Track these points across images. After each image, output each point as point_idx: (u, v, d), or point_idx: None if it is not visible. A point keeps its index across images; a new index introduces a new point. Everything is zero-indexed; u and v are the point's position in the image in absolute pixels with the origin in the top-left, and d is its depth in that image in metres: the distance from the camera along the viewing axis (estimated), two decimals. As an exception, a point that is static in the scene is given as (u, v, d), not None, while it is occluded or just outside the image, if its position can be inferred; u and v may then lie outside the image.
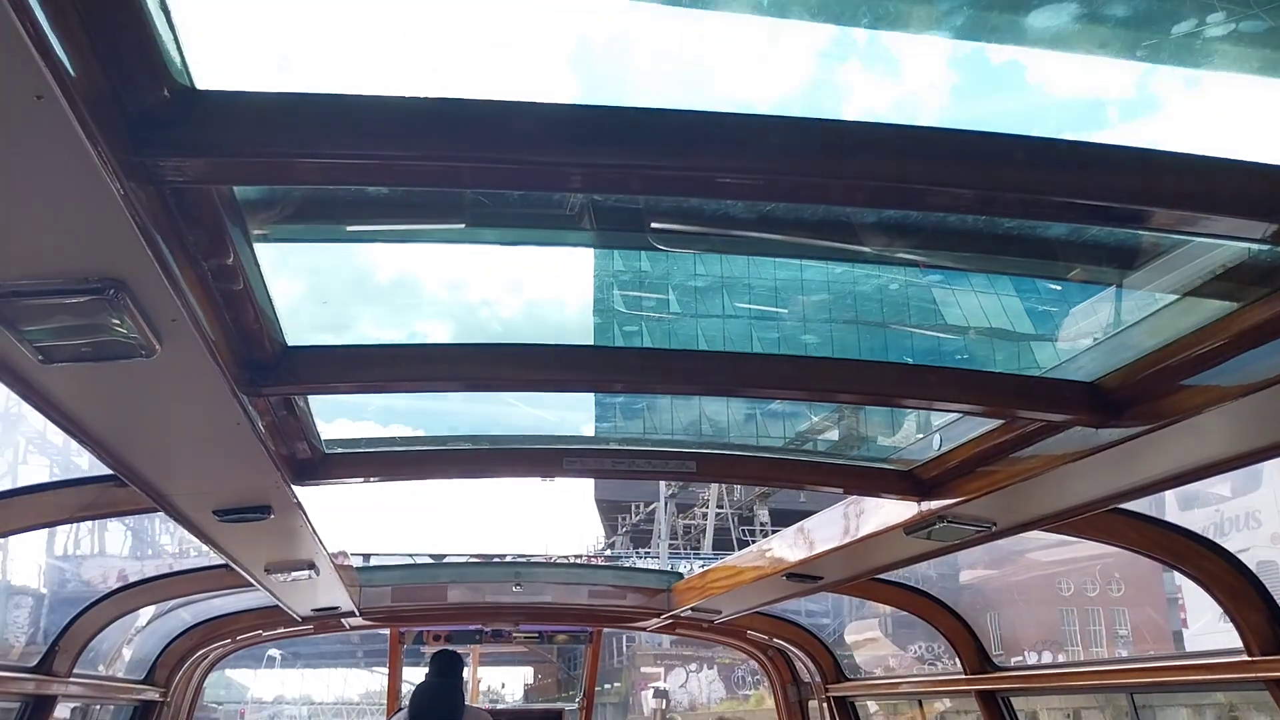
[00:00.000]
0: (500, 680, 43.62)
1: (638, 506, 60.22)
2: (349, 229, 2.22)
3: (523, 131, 1.62)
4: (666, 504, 54.11)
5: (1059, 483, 3.31)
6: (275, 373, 2.57)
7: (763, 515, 51.29)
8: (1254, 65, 1.99)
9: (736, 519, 53.97)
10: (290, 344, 2.58)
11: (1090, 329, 2.93)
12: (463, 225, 2.22)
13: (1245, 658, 4.11)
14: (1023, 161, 1.74)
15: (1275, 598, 4.06)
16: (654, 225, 2.50)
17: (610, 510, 62.67)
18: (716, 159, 1.67)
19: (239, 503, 3.52)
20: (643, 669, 46.41)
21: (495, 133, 1.62)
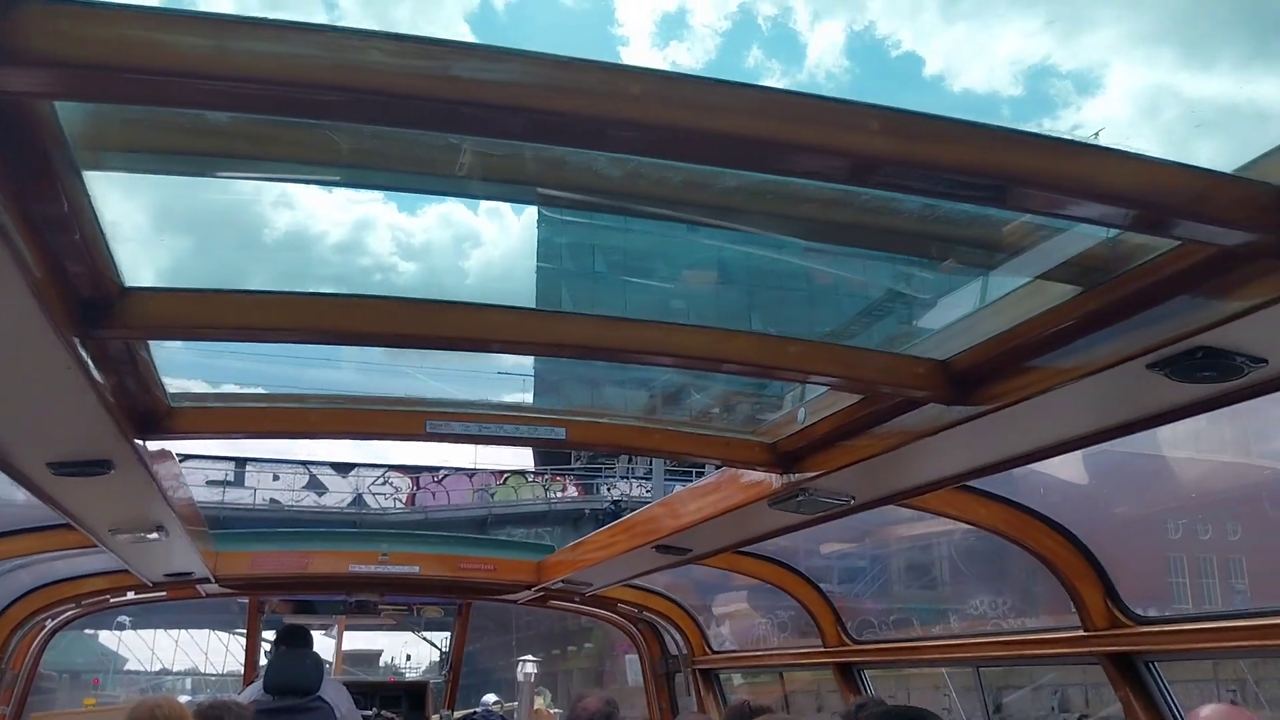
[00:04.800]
0: (405, 651, 36.69)
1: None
2: (190, 159, 2.07)
3: (384, 64, 1.54)
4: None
5: (913, 458, 3.39)
6: (110, 315, 2.41)
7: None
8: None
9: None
10: (128, 285, 2.42)
11: (946, 308, 3.00)
12: (335, 167, 2.09)
13: (1081, 632, 4.33)
14: (888, 131, 1.74)
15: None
16: (541, 188, 2.43)
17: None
18: (583, 105, 1.62)
19: (76, 456, 3.32)
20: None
21: (357, 64, 1.52)
